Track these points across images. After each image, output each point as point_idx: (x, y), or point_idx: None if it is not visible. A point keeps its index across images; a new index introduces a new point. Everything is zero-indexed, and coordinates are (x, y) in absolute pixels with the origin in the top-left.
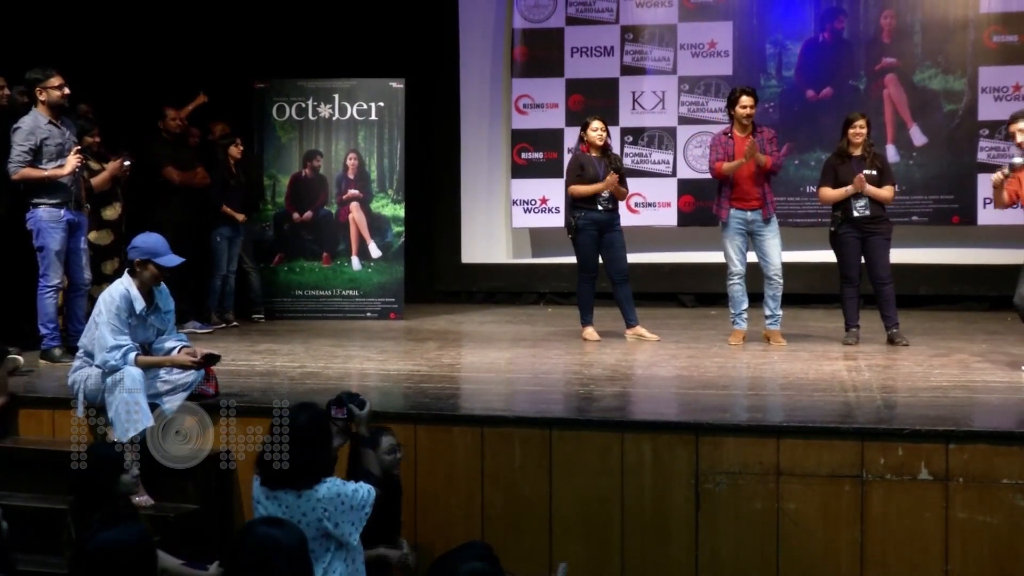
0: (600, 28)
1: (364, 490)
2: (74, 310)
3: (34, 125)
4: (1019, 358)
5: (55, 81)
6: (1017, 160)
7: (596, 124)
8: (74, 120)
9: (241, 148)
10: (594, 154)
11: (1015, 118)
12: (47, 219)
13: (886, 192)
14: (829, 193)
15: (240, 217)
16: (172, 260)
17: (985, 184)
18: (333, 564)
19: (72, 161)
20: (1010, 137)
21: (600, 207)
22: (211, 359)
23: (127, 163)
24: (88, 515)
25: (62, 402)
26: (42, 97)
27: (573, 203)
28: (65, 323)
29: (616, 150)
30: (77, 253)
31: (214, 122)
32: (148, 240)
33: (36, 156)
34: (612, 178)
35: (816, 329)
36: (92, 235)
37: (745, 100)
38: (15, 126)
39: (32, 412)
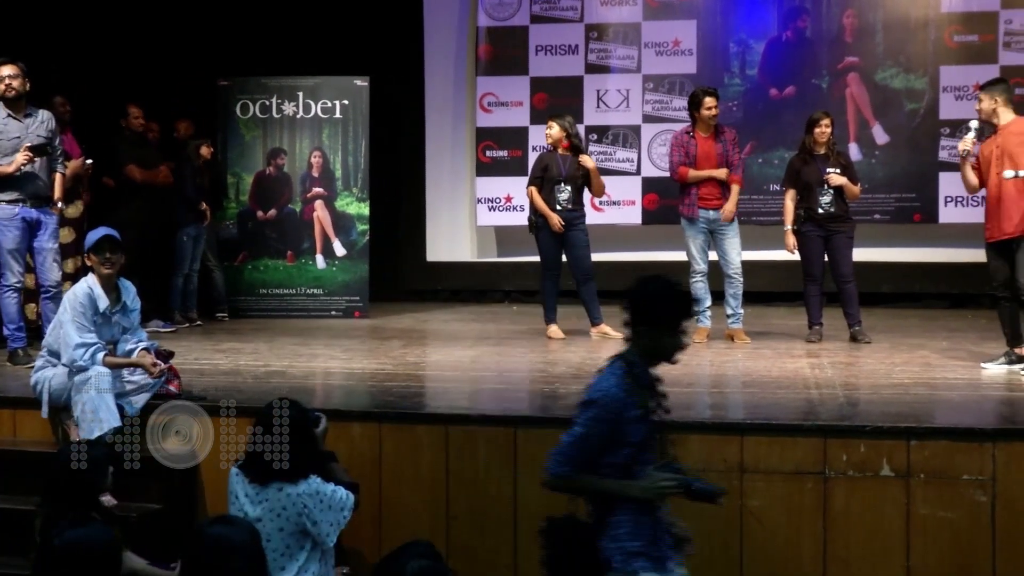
0: (564, 26)
1: (343, 492)
2: (44, 312)
3: None
4: (979, 355)
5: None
6: (974, 123)
7: (549, 123)
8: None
9: (211, 148)
10: (561, 153)
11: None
12: (0, 216)
13: (854, 186)
14: (787, 206)
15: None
16: (92, 236)
17: (946, 182)
18: (308, 564)
19: (19, 159)
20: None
21: (559, 206)
22: (165, 356)
23: (89, 161)
24: (60, 516)
25: (24, 402)
26: None
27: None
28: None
29: None
30: (42, 253)
31: (179, 120)
32: (90, 235)
33: None
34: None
35: (779, 327)
36: None
37: (709, 102)
38: None
39: None
